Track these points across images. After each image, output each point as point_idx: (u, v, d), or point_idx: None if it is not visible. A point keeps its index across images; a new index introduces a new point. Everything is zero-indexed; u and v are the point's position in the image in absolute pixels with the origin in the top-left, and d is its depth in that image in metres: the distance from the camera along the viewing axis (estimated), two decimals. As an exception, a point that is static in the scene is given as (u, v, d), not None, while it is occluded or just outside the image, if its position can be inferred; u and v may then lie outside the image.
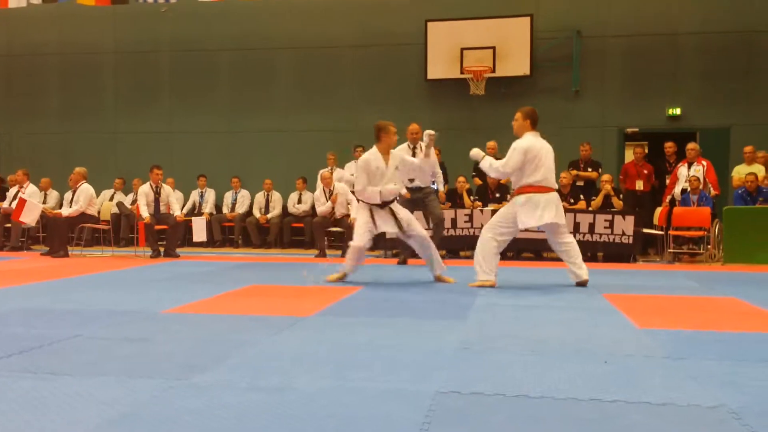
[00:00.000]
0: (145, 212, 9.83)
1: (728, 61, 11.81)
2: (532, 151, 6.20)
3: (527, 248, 10.12)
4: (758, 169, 10.35)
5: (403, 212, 6.73)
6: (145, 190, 10.08)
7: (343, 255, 10.20)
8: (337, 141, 12.57)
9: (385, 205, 6.60)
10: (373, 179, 6.55)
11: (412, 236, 6.75)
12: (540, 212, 6.18)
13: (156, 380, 2.97)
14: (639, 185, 10.76)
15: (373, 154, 6.66)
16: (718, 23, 11.82)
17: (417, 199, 8.68)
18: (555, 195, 6.34)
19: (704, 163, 10.26)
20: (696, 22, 11.91)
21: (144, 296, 5.71)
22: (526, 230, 9.45)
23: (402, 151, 8.65)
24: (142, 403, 2.66)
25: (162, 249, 9.96)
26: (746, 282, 7.06)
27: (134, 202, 11.17)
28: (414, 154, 8.56)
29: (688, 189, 9.98)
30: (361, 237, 6.60)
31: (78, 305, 5.21)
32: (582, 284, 6.34)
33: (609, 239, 9.36)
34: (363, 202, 6.70)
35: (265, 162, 13.08)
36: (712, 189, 10.12)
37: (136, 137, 13.64)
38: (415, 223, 6.79)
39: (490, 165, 6.46)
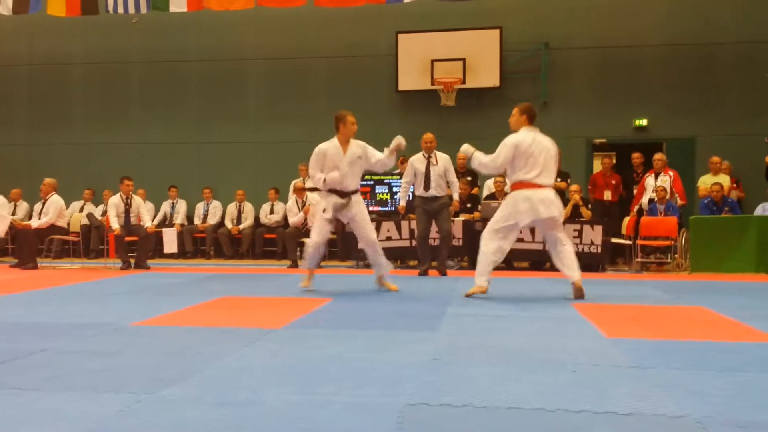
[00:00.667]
0: (115, 223, 9.75)
1: (693, 73, 12.04)
2: (522, 146, 6.10)
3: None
4: (723, 179, 10.54)
5: (359, 209, 6.75)
6: (115, 201, 10.00)
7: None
8: (308, 152, 12.54)
9: (345, 194, 6.65)
10: (325, 167, 6.63)
11: (358, 236, 6.90)
12: (534, 208, 6.09)
13: (123, 395, 2.94)
14: (607, 195, 10.90)
15: (331, 143, 6.77)
16: (682, 36, 12.06)
17: (432, 209, 8.56)
18: (550, 191, 6.20)
19: (671, 173, 10.42)
20: (661, 35, 12.14)
21: (113, 308, 5.64)
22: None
23: (417, 160, 8.69)
24: (108, 418, 2.64)
25: (132, 261, 9.86)
26: (713, 291, 7.18)
27: (104, 213, 11.04)
28: (429, 164, 8.56)
29: (656, 199, 10.13)
30: (317, 233, 6.72)
31: (46, 318, 5.14)
32: (578, 291, 6.21)
33: (578, 249, 9.40)
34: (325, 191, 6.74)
35: (236, 173, 13.03)
36: (678, 199, 10.27)
37: (107, 148, 13.52)
38: (365, 224, 6.80)
39: (479, 161, 6.38)
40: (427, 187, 8.50)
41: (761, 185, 10.41)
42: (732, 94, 11.98)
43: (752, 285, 7.80)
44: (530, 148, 6.11)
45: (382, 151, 6.85)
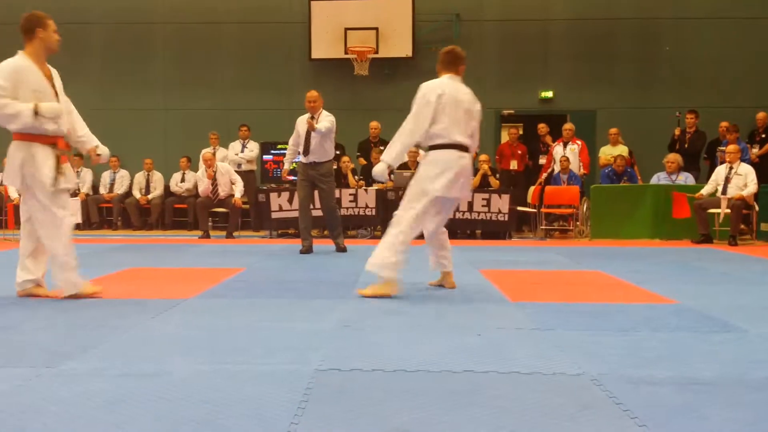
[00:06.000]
0: (14, 193, 9.38)
1: (595, 47, 12.42)
2: None
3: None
4: (622, 149, 10.99)
5: None
6: (13, 170, 9.55)
7: (228, 236, 10.03)
8: (219, 120, 12.33)
9: None
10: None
11: None
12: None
13: (21, 369, 2.84)
14: (513, 165, 11.18)
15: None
16: (586, 11, 12.39)
17: (313, 178, 7.61)
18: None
19: (579, 142, 10.78)
20: (566, 9, 12.45)
21: (12, 281, 5.39)
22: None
23: (300, 121, 7.66)
24: (5, 393, 2.54)
25: (32, 232, 9.46)
26: (610, 256, 7.51)
27: (2, 182, 10.52)
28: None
29: (559, 168, 10.47)
30: None
31: (-64, 293, 4.88)
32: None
33: (486, 217, 9.70)
34: None
35: (144, 141, 12.63)
36: (582, 168, 10.65)
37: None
38: None
39: None
40: (306, 151, 7.51)
41: (657, 156, 10.90)
42: (631, 68, 12.43)
43: (647, 250, 8.21)
44: None
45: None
